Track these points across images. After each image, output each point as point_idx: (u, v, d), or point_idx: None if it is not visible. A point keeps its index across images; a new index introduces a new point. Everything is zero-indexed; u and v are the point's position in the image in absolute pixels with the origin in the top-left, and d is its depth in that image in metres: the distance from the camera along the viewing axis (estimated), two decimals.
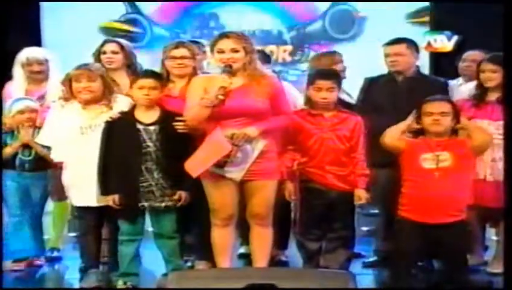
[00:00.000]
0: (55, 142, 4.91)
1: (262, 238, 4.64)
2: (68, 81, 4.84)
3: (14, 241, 5.33)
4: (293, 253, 5.49)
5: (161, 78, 4.82)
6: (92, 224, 4.93)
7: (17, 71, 5.60)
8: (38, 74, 5.55)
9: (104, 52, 5.40)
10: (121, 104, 4.84)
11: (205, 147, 4.43)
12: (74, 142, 4.80)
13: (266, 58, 5.82)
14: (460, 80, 5.79)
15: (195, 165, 4.45)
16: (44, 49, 5.85)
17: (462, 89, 5.40)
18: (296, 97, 5.32)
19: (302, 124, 4.77)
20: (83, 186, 4.81)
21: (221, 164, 4.41)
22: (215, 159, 4.38)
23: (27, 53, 5.62)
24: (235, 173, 4.46)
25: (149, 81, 4.70)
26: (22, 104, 5.26)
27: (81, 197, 4.86)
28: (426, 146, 4.53)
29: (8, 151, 5.25)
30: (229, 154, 4.38)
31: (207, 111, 4.39)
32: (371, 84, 5.34)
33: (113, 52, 5.41)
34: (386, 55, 5.24)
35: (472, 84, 5.35)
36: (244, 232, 4.93)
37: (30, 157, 5.25)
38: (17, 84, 5.57)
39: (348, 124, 4.78)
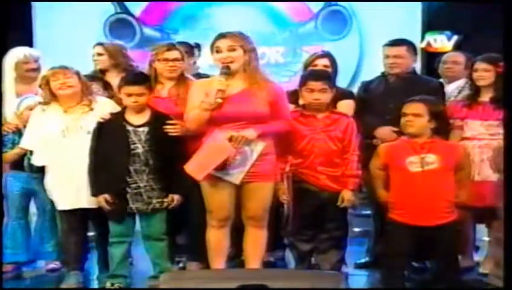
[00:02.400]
0: (37, 146, 4.90)
1: (256, 240, 4.62)
2: (46, 83, 4.84)
3: (8, 245, 5.30)
4: (283, 254, 5.50)
5: (148, 81, 4.80)
6: (74, 226, 4.91)
7: (7, 71, 5.52)
8: (33, 71, 5.49)
9: (93, 55, 5.63)
10: (101, 105, 4.84)
11: (207, 150, 4.42)
12: (56, 145, 4.79)
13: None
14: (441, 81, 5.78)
15: (198, 168, 4.43)
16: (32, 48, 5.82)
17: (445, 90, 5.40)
18: None
19: (295, 125, 4.75)
20: (64, 190, 4.81)
21: (220, 167, 4.40)
22: (218, 161, 4.37)
23: (23, 51, 5.58)
24: (234, 175, 4.45)
25: (136, 88, 4.69)
26: (32, 100, 5.19)
27: (63, 200, 4.84)
28: (411, 148, 4.54)
29: (17, 151, 5.18)
30: (228, 156, 4.38)
31: (206, 114, 4.40)
32: (366, 87, 5.35)
33: (98, 54, 5.61)
34: (386, 57, 5.22)
35: (455, 86, 5.35)
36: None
37: (40, 164, 5.08)
38: (7, 85, 5.48)
39: (340, 125, 4.76)
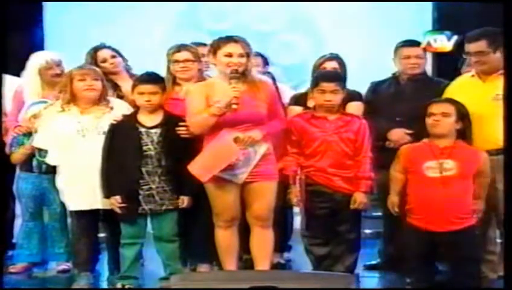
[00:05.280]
0: (51, 145, 4.92)
1: (263, 240, 4.64)
2: (70, 80, 4.85)
3: (23, 246, 5.36)
4: (294, 256, 5.49)
5: (161, 81, 4.82)
6: (85, 228, 4.93)
7: (32, 77, 5.50)
8: (57, 76, 5.44)
9: (105, 60, 5.40)
10: (118, 107, 4.87)
11: (213, 152, 4.44)
12: (71, 145, 4.81)
13: (265, 60, 5.82)
14: None
15: (205, 169, 4.45)
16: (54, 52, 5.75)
17: None
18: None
19: (306, 127, 4.75)
20: (78, 190, 4.82)
21: (224, 168, 4.41)
22: (225, 163, 4.40)
23: (45, 56, 5.56)
24: (237, 176, 4.48)
25: (148, 87, 4.71)
26: (37, 108, 5.23)
27: (76, 200, 4.86)
28: (430, 153, 4.50)
29: (24, 151, 5.23)
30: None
31: (214, 119, 4.42)
32: (377, 88, 5.33)
33: (113, 57, 5.45)
34: (407, 57, 5.20)
35: None
36: None
37: (53, 163, 5.05)
38: (32, 90, 5.48)
39: (352, 126, 4.74)
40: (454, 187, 4.44)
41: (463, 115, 4.53)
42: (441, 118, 4.49)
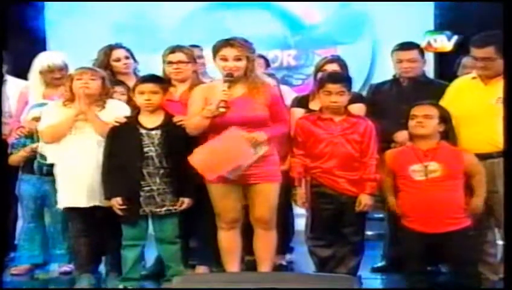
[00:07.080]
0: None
1: (266, 242, 4.64)
2: (70, 80, 4.88)
3: (25, 247, 5.37)
4: (296, 257, 5.49)
5: (162, 81, 4.82)
6: (82, 227, 4.92)
7: (35, 77, 5.54)
8: (59, 80, 5.47)
9: (118, 60, 5.43)
10: (112, 106, 4.87)
11: (225, 151, 4.41)
12: (64, 143, 4.83)
13: (266, 62, 5.83)
14: None
15: (214, 167, 4.42)
16: (61, 54, 5.73)
17: None
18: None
19: (312, 128, 4.75)
20: (69, 188, 4.84)
21: None
22: (235, 165, 4.39)
23: (48, 60, 5.56)
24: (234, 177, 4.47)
25: (149, 86, 4.72)
26: (38, 111, 5.24)
27: (67, 198, 4.87)
28: (414, 156, 4.53)
29: (20, 154, 5.25)
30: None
31: (207, 121, 4.44)
32: (377, 90, 5.34)
33: (126, 58, 5.47)
34: (399, 61, 5.23)
35: None
36: None
37: (48, 161, 5.11)
38: (35, 90, 5.52)
39: (359, 128, 4.73)
40: (442, 188, 4.46)
41: (445, 117, 4.56)
42: (423, 120, 4.52)
